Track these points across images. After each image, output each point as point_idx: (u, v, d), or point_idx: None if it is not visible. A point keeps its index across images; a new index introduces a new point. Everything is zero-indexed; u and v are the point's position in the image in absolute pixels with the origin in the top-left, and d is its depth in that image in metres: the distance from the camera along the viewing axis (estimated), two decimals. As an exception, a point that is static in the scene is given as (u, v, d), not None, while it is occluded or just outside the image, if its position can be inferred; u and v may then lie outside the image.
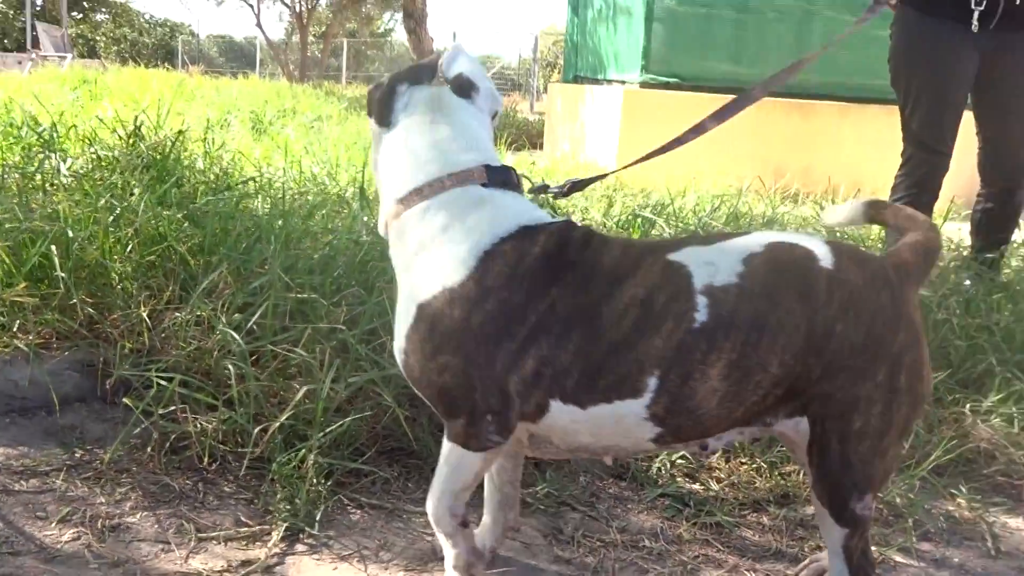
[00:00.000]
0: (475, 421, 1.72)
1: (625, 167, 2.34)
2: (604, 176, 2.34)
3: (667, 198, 5.02)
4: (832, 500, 1.72)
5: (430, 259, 1.75)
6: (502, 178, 1.81)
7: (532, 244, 1.70)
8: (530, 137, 12.15)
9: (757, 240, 1.72)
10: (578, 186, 2.12)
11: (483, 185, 1.78)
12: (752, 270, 1.66)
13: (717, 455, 2.62)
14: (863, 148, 7.90)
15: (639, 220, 4.19)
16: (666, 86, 8.73)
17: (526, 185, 1.99)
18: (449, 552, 1.86)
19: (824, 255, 1.69)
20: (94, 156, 3.57)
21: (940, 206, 5.37)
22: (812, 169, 7.78)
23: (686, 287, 1.65)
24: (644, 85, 8.85)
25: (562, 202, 4.67)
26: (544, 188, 2.09)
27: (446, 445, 1.80)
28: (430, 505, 1.85)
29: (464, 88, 1.87)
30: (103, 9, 36.89)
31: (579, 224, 1.81)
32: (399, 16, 13.04)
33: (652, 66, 8.81)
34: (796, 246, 1.72)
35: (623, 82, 9.28)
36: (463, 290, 1.68)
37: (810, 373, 1.65)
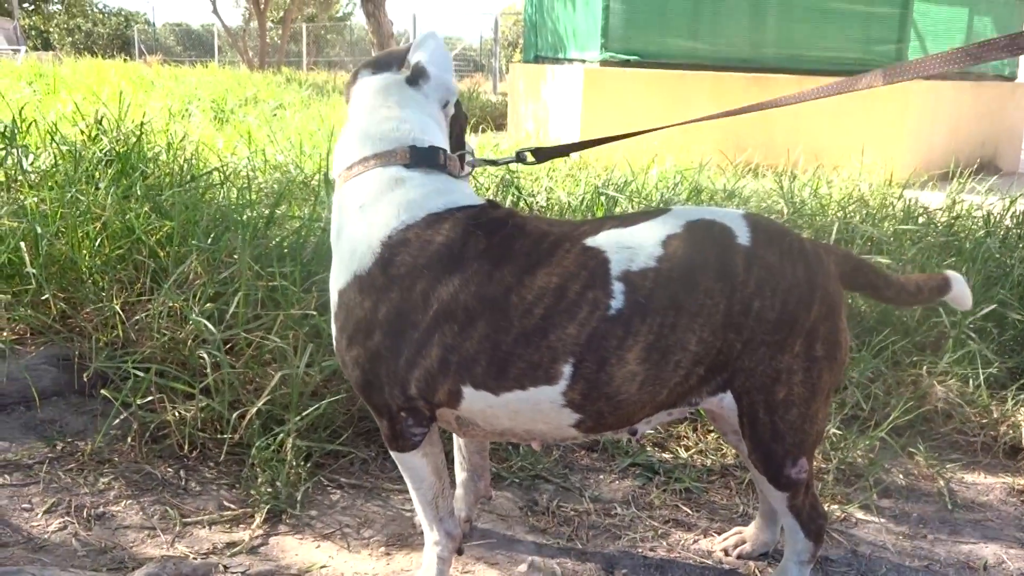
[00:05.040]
0: (393, 421, 1.76)
1: (628, 136, 2.26)
2: (570, 148, 2.22)
3: (630, 175, 5.09)
4: (767, 467, 1.78)
5: (347, 242, 1.76)
6: (426, 158, 1.81)
7: (436, 233, 1.69)
8: (494, 118, 12.16)
9: (676, 220, 1.72)
10: (544, 154, 2.12)
11: (405, 166, 1.79)
12: (671, 252, 1.66)
13: (684, 424, 2.70)
14: (821, 120, 8.03)
15: (602, 198, 4.25)
16: (626, 63, 8.80)
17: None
18: (430, 538, 1.91)
19: (742, 232, 1.70)
20: (57, 151, 3.57)
21: (900, 176, 5.50)
22: (772, 142, 7.89)
23: (603, 274, 1.65)
24: (604, 63, 8.91)
25: (527, 181, 4.72)
26: (492, 161, 2.08)
27: (393, 456, 1.85)
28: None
29: (414, 76, 1.91)
30: (55, 0, 36.23)
31: (498, 207, 1.80)
32: (359, 0, 12.92)
33: (611, 44, 8.88)
34: (714, 224, 1.72)
35: (583, 61, 9.33)
36: (371, 278, 1.69)
37: (731, 349, 1.68)
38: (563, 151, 2.17)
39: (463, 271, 1.66)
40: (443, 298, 1.65)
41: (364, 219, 1.75)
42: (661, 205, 4.36)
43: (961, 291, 2.00)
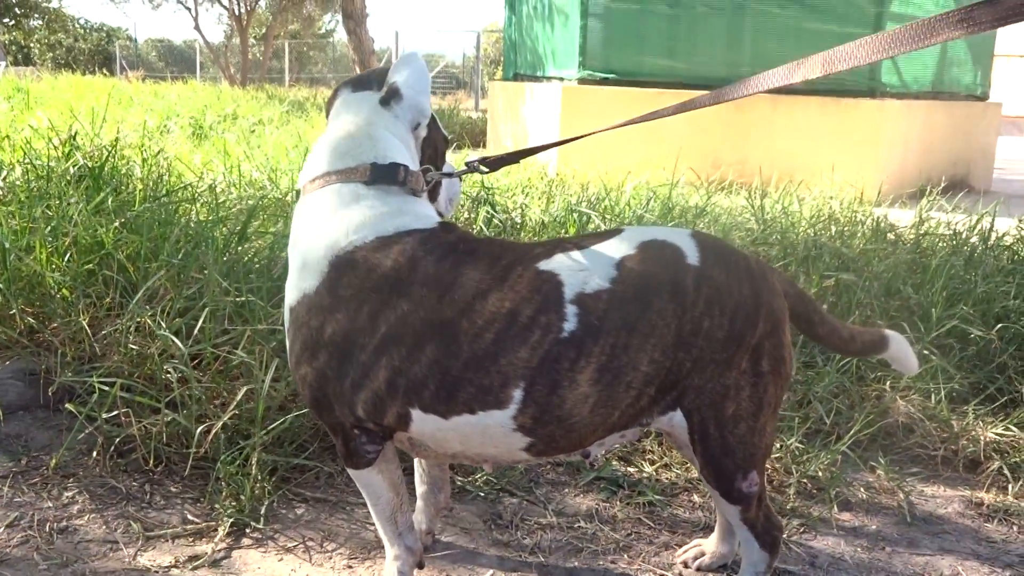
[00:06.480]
0: (347, 438, 1.77)
1: (551, 145, 2.28)
2: (519, 155, 2.20)
3: (603, 192, 5.14)
4: (719, 482, 1.80)
5: (299, 257, 1.77)
6: (386, 175, 1.81)
7: (385, 256, 1.69)
8: (473, 136, 12.20)
9: (629, 240, 1.74)
10: (493, 164, 2.10)
11: (365, 183, 1.80)
12: (625, 273, 1.68)
13: (650, 438, 2.73)
14: (795, 139, 8.11)
15: (575, 215, 4.29)
16: (603, 82, 8.89)
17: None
18: (391, 553, 1.92)
19: (692, 252, 1.73)
20: (29, 166, 3.57)
21: (872, 194, 5.58)
22: (747, 160, 7.97)
23: (556, 297, 1.65)
24: (582, 81, 8.99)
25: (503, 198, 4.76)
26: (447, 174, 2.06)
27: (349, 472, 1.87)
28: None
29: (387, 97, 1.94)
30: (36, 15, 36.10)
31: (452, 229, 1.79)
32: (340, 17, 12.94)
33: (589, 62, 8.97)
34: (666, 244, 1.74)
35: (561, 79, 9.41)
36: (318, 297, 1.70)
37: (680, 368, 1.70)
38: (512, 158, 2.17)
39: (411, 296, 1.66)
40: (391, 322, 1.65)
41: (316, 235, 1.76)
42: (633, 222, 4.41)
43: (901, 352, 1.99)
